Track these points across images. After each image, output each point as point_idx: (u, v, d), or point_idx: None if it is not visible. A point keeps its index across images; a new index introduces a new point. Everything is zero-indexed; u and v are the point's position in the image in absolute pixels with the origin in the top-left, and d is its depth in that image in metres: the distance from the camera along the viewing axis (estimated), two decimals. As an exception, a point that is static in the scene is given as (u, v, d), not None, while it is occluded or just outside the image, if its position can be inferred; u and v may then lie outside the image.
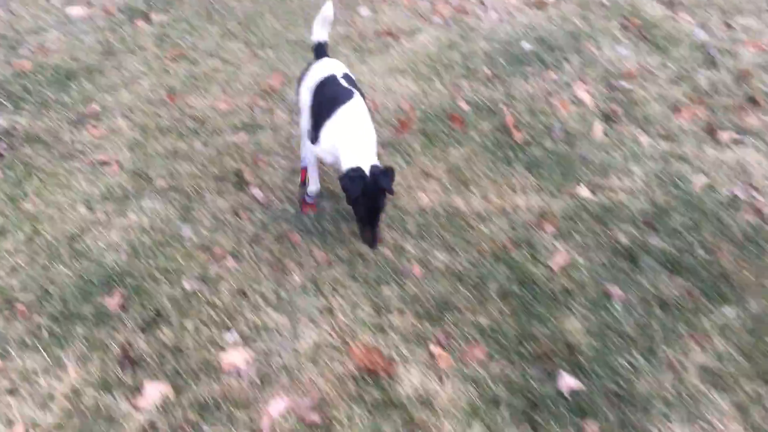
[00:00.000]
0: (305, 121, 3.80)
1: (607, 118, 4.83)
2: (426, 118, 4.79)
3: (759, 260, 3.57)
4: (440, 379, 2.96)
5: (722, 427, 2.75)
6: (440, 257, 3.61)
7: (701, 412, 2.82)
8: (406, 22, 6.09)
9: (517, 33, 5.86)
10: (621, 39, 5.78)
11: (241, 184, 4.15)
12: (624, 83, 5.22)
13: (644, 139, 4.61)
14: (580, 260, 3.59)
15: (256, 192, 4.07)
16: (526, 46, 5.72)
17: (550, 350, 3.08)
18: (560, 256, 3.59)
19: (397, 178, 3.87)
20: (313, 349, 3.08)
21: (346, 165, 3.28)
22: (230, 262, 3.56)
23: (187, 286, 3.41)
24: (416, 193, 4.04)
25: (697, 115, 4.85)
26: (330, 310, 3.29)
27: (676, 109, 4.93)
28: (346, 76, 3.69)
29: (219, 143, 4.50)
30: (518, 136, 4.60)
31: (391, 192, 3.24)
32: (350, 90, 3.55)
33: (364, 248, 3.56)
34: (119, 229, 3.78)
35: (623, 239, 3.74)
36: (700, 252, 3.64)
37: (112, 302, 3.30)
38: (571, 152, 4.46)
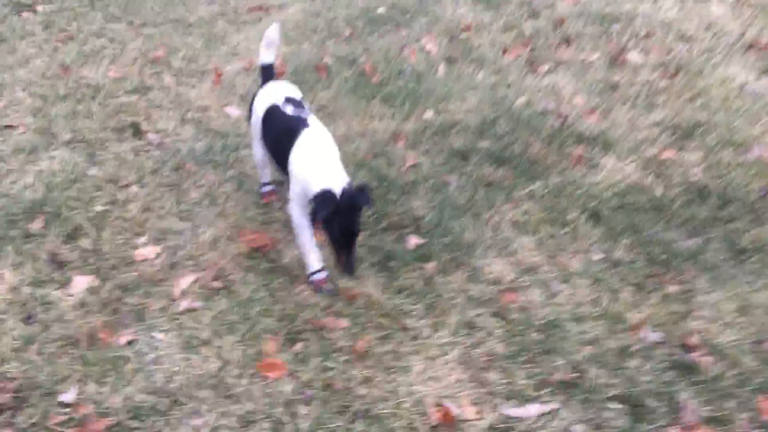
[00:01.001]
0: (258, 151, 3.83)
1: (449, 60, 5.79)
2: (296, 71, 5.59)
3: (559, 149, 4.59)
4: (319, 246, 3.76)
5: (521, 257, 3.69)
6: (312, 170, 4.41)
7: (510, 249, 3.76)
8: (275, -2, 6.88)
9: (374, 1, 6.76)
10: (461, 1, 6.78)
11: (138, 133, 4.81)
12: (463, 35, 6.20)
13: (478, 74, 5.59)
14: (424, 161, 4.49)
15: (153, 137, 4.75)
16: (381, 10, 6.62)
17: (402, 223, 3.95)
18: (409, 159, 4.48)
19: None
20: (212, 241, 3.81)
21: (315, 189, 3.12)
22: (135, 189, 4.23)
23: (99, 208, 4.05)
24: (290, 126, 4.84)
25: (521, 54, 5.88)
26: (224, 215, 4.02)
27: (504, 50, 5.94)
28: (290, 100, 3.55)
29: (114, 103, 5.14)
30: (375, 78, 5.48)
31: (370, 205, 3.14)
32: (300, 118, 3.41)
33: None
34: (33, 173, 4.36)
35: (458, 144, 4.67)
36: (517, 148, 4.62)
37: (35, 225, 3.90)
38: (419, 87, 5.37)
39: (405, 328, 3.24)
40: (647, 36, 6.02)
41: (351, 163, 4.44)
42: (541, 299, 3.42)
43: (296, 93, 3.69)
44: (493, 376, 3.00)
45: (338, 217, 3.07)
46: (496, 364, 3.06)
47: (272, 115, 3.53)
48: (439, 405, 2.86)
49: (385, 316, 3.30)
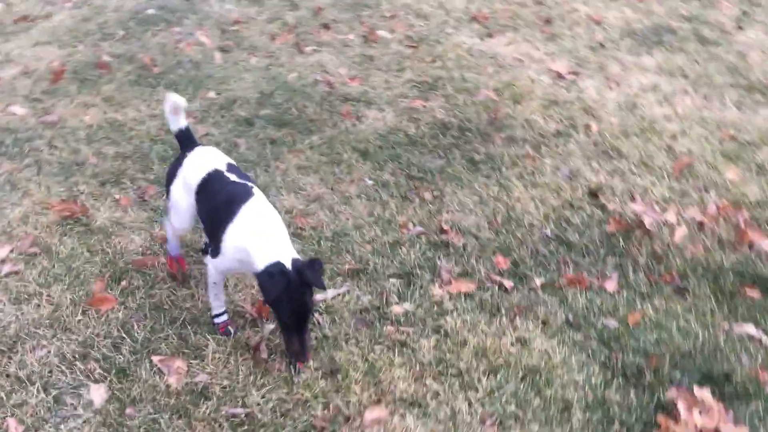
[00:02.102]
0: (179, 221, 3.39)
1: (223, 50, 6.37)
2: (76, 70, 5.86)
3: (330, 109, 5.38)
4: (126, 211, 4.18)
5: (308, 191, 4.40)
6: (110, 149, 4.79)
7: (298, 186, 4.45)
8: (39, 8, 7.02)
9: (141, 3, 7.15)
10: (226, -2, 7.39)
11: None
12: (233, 27, 6.81)
13: (252, 59, 6.23)
14: (214, 131, 5.05)
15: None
16: (151, 11, 7.03)
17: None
18: (200, 131, 5.01)
19: (60, 109, 4.94)
20: (22, 217, 4.07)
21: (262, 263, 2.78)
22: (-70, 186, 4.34)
23: None
24: (82, 117, 5.15)
25: (288, 39, 6.62)
26: (29, 194, 4.28)
27: (273, 38, 6.64)
28: (231, 167, 3.21)
29: None
30: (156, 69, 5.92)
31: (322, 287, 2.84)
32: (246, 185, 3.09)
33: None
34: None
35: (242, 114, 5.28)
36: (294, 112, 5.33)
37: None
38: (199, 73, 5.90)
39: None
40: (392, 17, 7.05)
41: (147, 138, 4.89)
42: (327, 219, 4.14)
43: (231, 160, 3.33)
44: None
45: (289, 296, 2.72)
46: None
47: (213, 181, 3.11)
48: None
49: (199, 250, 3.83)
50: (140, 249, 3.83)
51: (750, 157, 4.71)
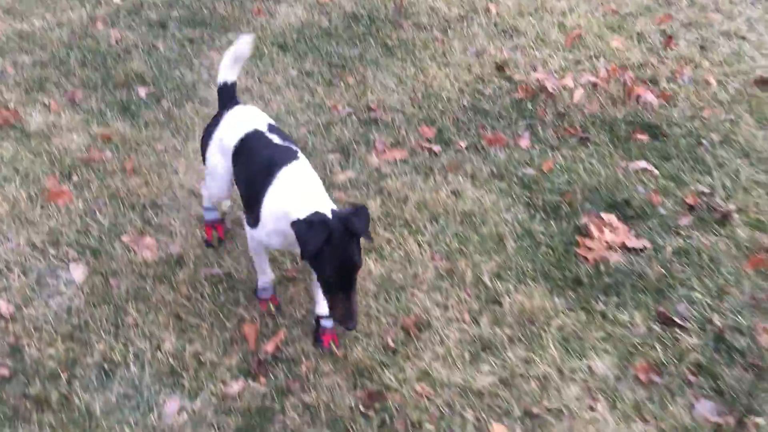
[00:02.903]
0: (217, 188, 3.11)
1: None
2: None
3: (241, 7, 5.48)
4: (59, 114, 4.23)
5: (238, 83, 4.58)
6: (26, 59, 4.74)
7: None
8: None
9: None
10: None
11: None
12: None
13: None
14: (129, 34, 5.06)
15: None
16: None
17: (126, 81, 4.55)
18: (114, 35, 5.02)
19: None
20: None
21: (299, 215, 2.45)
22: None
23: None
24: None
25: None
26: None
27: None
28: (272, 128, 2.89)
29: None
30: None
31: (369, 237, 2.50)
32: (290, 148, 2.78)
33: None
34: None
35: (154, 17, 5.31)
36: (205, 12, 5.40)
37: None
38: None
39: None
40: None
41: (61, 45, 4.86)
42: (260, 107, 4.36)
43: (272, 121, 2.99)
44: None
45: (332, 248, 2.36)
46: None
47: (253, 142, 2.82)
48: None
49: (142, 143, 3.99)
50: (83, 147, 3.94)
51: (630, 27, 5.27)
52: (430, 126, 4.21)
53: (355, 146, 4.03)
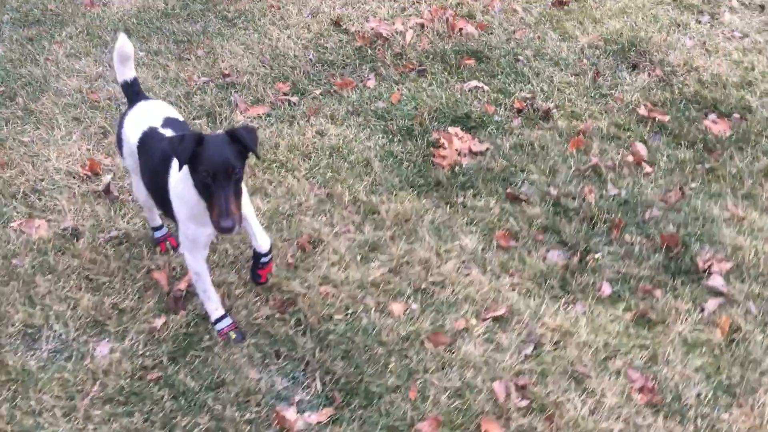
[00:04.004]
0: (137, 189, 3.08)
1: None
2: None
3: (71, 3, 5.53)
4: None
5: (88, 71, 4.70)
6: None
7: (76, 70, 4.71)
8: None
9: None
10: None
11: None
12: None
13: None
14: (-39, 41, 4.99)
15: None
16: None
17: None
18: (-55, 44, 4.92)
19: None
20: None
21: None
22: None
23: None
24: None
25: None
26: None
27: None
28: (168, 122, 2.86)
29: None
30: None
31: (256, 153, 2.51)
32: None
33: None
34: None
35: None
36: (37, 12, 5.40)
37: None
38: None
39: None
40: None
41: None
42: (116, 89, 4.52)
43: (175, 114, 2.99)
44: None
45: (203, 151, 2.41)
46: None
47: (149, 142, 2.80)
48: (84, 162, 3.86)
49: (7, 139, 4.05)
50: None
51: (443, -26, 5.86)
52: (284, 82, 4.56)
53: (218, 109, 4.31)
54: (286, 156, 3.88)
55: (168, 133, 2.78)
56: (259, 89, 4.48)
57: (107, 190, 3.64)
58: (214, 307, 2.89)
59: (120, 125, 3.01)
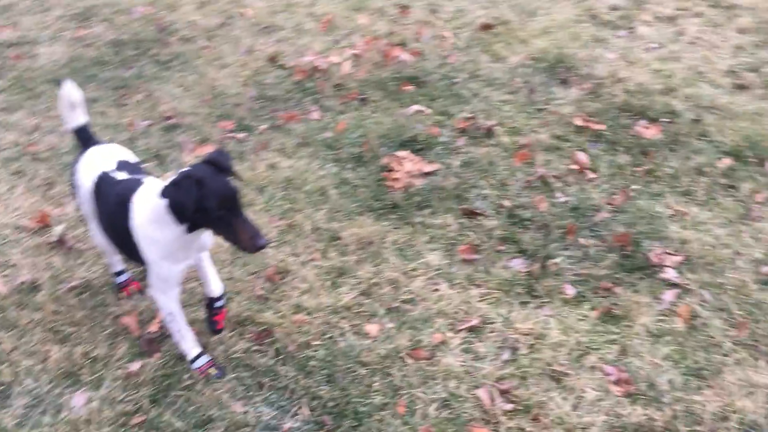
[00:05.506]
0: (93, 235, 3.07)
1: None
2: None
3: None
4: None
5: (26, 123, 4.59)
6: None
7: (11, 123, 4.60)
8: None
9: None
10: None
11: None
12: None
13: None
14: None
15: None
16: None
17: None
18: None
19: None
20: None
21: (160, 194, 2.41)
22: None
23: None
24: None
25: None
26: None
27: None
28: (122, 165, 2.80)
29: None
30: None
31: (235, 174, 2.52)
32: (134, 179, 2.70)
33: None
34: None
35: None
36: (-39, 66, 5.25)
37: None
38: None
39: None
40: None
41: None
42: (57, 139, 4.44)
43: (130, 156, 2.94)
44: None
45: (207, 190, 2.35)
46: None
47: (102, 188, 2.74)
48: (33, 215, 3.76)
49: None
50: None
51: (371, 5, 6.03)
52: (229, 120, 4.58)
53: (166, 151, 4.29)
54: (240, 191, 3.88)
55: (122, 176, 2.74)
56: (204, 129, 4.48)
57: (61, 241, 3.56)
58: (190, 346, 2.86)
59: (73, 172, 2.95)
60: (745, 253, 3.32)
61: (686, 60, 4.89)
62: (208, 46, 5.49)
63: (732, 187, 3.73)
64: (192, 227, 2.48)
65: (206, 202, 2.35)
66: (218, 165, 2.46)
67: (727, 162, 3.89)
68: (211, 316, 2.94)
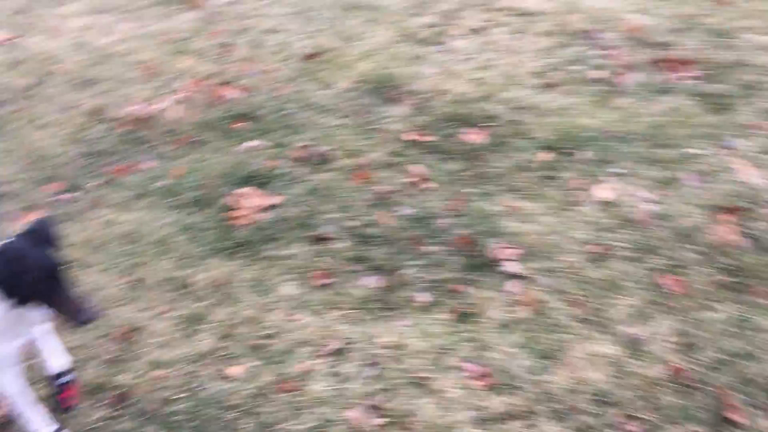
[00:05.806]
0: None
1: None
2: None
3: None
4: None
5: None
6: None
7: None
8: None
9: None
10: None
11: None
12: None
13: None
14: None
15: None
16: None
17: None
18: None
19: None
20: None
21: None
22: None
23: None
24: None
25: None
26: None
27: None
28: None
29: None
30: None
31: (58, 247, 2.38)
32: None
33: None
34: None
35: None
36: None
37: None
38: None
39: None
40: None
41: None
42: None
43: None
44: None
45: (21, 266, 2.22)
46: None
47: None
48: None
49: None
50: None
51: (191, 48, 5.96)
52: (56, 181, 4.35)
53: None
54: (79, 254, 3.70)
55: None
56: (29, 195, 4.23)
57: None
58: (45, 424, 2.67)
59: None
60: (572, 236, 3.60)
61: (499, 67, 5.25)
62: (20, 108, 5.19)
63: (553, 177, 4.04)
64: (19, 302, 2.33)
65: (21, 278, 2.22)
66: (38, 236, 2.34)
67: (546, 156, 4.21)
68: (56, 394, 2.77)
